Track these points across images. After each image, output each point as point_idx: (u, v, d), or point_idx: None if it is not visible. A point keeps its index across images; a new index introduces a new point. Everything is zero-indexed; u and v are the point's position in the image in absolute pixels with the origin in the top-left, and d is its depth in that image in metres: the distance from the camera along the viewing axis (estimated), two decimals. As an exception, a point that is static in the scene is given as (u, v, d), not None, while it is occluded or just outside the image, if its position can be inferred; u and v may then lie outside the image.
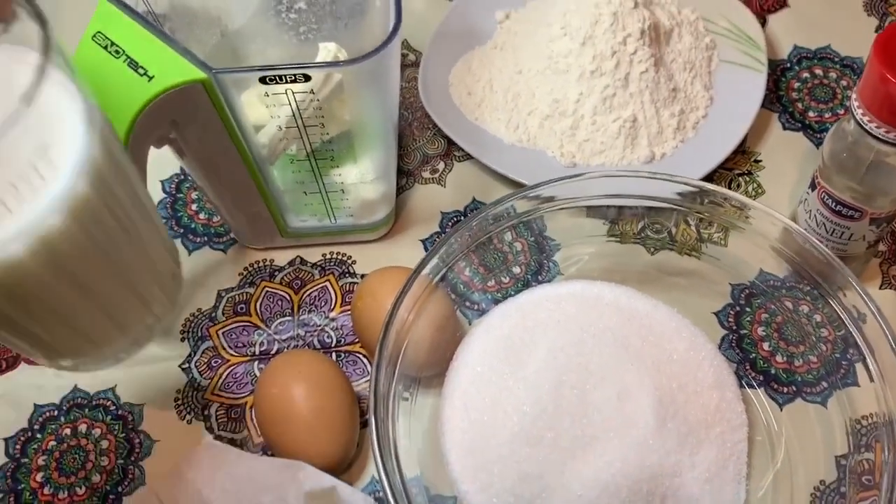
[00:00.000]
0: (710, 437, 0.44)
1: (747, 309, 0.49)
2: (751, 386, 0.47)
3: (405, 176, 0.57)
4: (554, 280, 0.51)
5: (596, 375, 0.44)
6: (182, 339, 0.51)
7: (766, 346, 0.48)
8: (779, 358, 0.48)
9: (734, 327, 0.49)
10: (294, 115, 0.43)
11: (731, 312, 0.49)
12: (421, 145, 0.58)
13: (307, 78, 0.41)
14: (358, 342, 0.50)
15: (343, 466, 0.44)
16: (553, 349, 0.45)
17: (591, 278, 0.50)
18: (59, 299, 0.33)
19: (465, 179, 0.56)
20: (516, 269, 0.50)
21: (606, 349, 0.45)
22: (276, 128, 0.45)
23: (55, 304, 0.33)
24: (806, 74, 0.60)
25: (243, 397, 0.49)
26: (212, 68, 0.39)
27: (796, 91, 0.59)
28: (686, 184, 0.46)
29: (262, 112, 0.44)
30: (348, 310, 0.51)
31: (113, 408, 0.49)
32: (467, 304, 0.49)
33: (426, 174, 0.57)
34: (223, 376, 0.49)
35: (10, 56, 0.29)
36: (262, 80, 0.40)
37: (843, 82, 0.59)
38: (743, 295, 0.50)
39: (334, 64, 0.41)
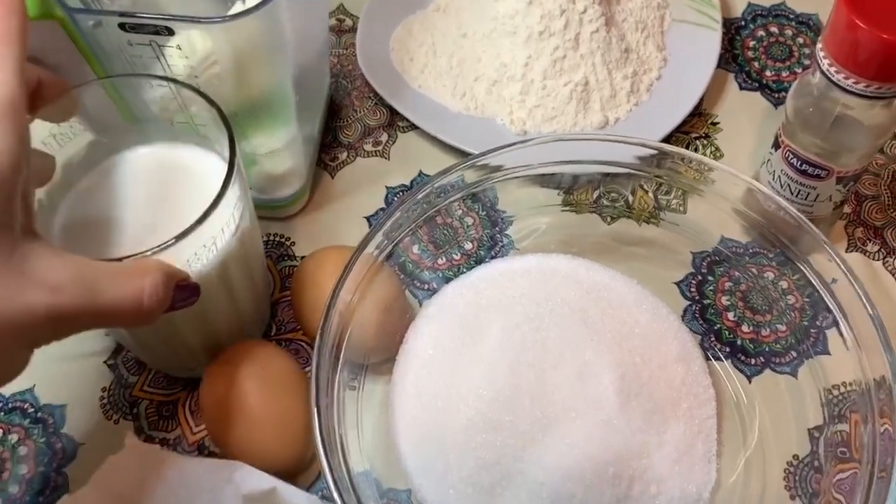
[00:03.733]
0: (676, 414, 0.41)
1: (710, 278, 0.47)
2: (717, 358, 0.45)
3: (346, 149, 0.53)
4: (508, 255, 0.48)
5: (554, 353, 0.41)
6: (106, 335, 0.47)
7: (730, 315, 0.46)
8: (745, 328, 0.45)
9: (697, 297, 0.47)
10: (164, 71, 0.40)
11: (693, 282, 0.47)
12: (361, 116, 0.54)
13: (170, 32, 0.37)
14: (300, 329, 0.47)
15: (302, 467, 0.41)
16: (508, 327, 0.42)
17: (546, 251, 0.47)
18: (217, 301, 0.40)
19: (410, 151, 0.53)
20: (468, 245, 0.47)
21: (565, 325, 0.42)
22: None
23: (212, 305, 0.39)
24: (761, 32, 0.57)
25: (175, 392, 0.45)
26: (69, 7, 0.36)
27: (752, 50, 0.57)
28: (642, 145, 0.43)
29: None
30: (289, 295, 0.47)
31: (32, 410, 0.44)
32: (417, 283, 0.45)
33: (368, 147, 0.53)
34: (153, 372, 0.45)
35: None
36: (122, 27, 0.36)
37: (800, 40, 0.57)
38: (705, 263, 0.47)
39: (196, 19, 0.36)
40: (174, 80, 0.37)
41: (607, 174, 0.47)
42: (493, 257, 0.48)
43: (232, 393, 0.40)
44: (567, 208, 0.48)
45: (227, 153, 0.38)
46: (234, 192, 0.36)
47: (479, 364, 0.41)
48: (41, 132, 0.37)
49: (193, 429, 0.44)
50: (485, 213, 0.48)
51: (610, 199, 0.48)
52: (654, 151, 0.43)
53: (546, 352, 0.41)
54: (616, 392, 0.40)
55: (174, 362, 0.44)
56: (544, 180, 0.47)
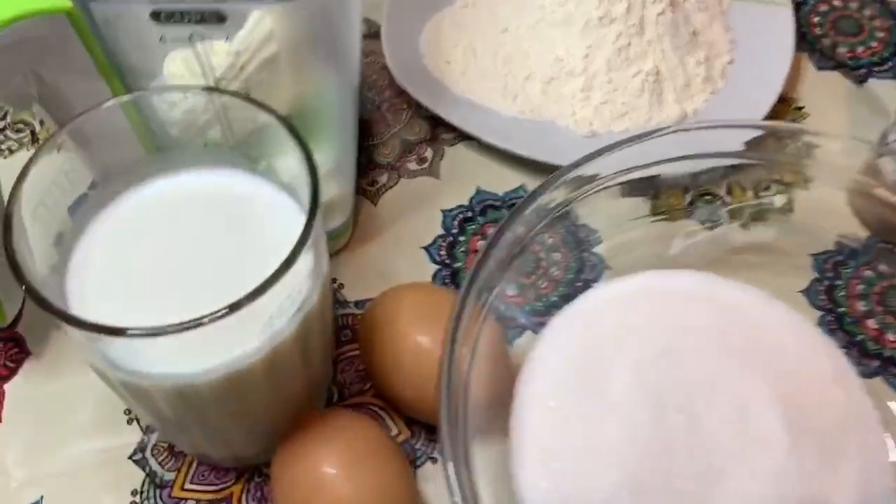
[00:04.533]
0: (845, 446, 0.34)
1: (838, 282, 0.40)
2: (867, 375, 0.38)
3: (385, 170, 0.45)
4: (602, 276, 0.40)
5: (701, 390, 0.34)
6: (129, 422, 0.37)
7: (871, 323, 0.39)
8: (891, 336, 0.39)
9: (829, 306, 0.40)
10: (204, 74, 0.31)
11: (821, 288, 0.40)
12: (398, 131, 0.46)
13: (221, 19, 0.29)
14: (368, 390, 0.38)
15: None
16: (639, 363, 0.35)
17: (644, 268, 0.40)
18: (291, 368, 0.31)
19: (462, 166, 0.45)
20: (554, 271, 0.40)
21: (704, 355, 0.35)
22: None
23: (286, 373, 0.31)
24: (824, 7, 0.52)
25: (227, 486, 0.36)
26: None
27: (818, 27, 0.51)
28: (775, 130, 0.37)
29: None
30: (352, 350, 0.39)
31: (43, 530, 0.35)
32: (505, 321, 0.38)
33: (412, 165, 0.45)
34: (194, 463, 0.36)
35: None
36: (156, 17, 0.28)
37: (867, 12, 0.51)
38: (829, 265, 0.41)
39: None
40: (229, 92, 0.29)
41: (697, 173, 0.40)
42: (585, 282, 0.40)
43: (316, 478, 0.31)
44: (657, 217, 0.41)
45: (287, 176, 0.30)
46: (319, 224, 0.28)
47: (613, 413, 0.34)
48: (51, 173, 0.28)
49: (262, 532, 0.35)
50: (565, 231, 0.40)
51: (704, 201, 0.42)
52: (785, 132, 0.37)
53: (691, 390, 0.34)
54: (784, 429, 0.33)
55: (225, 450, 0.35)
56: (628, 189, 0.40)
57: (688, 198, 0.42)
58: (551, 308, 0.39)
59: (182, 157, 0.32)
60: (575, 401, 0.34)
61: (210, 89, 0.30)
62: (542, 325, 0.38)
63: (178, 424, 0.32)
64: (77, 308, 0.28)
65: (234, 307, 0.25)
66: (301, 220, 0.31)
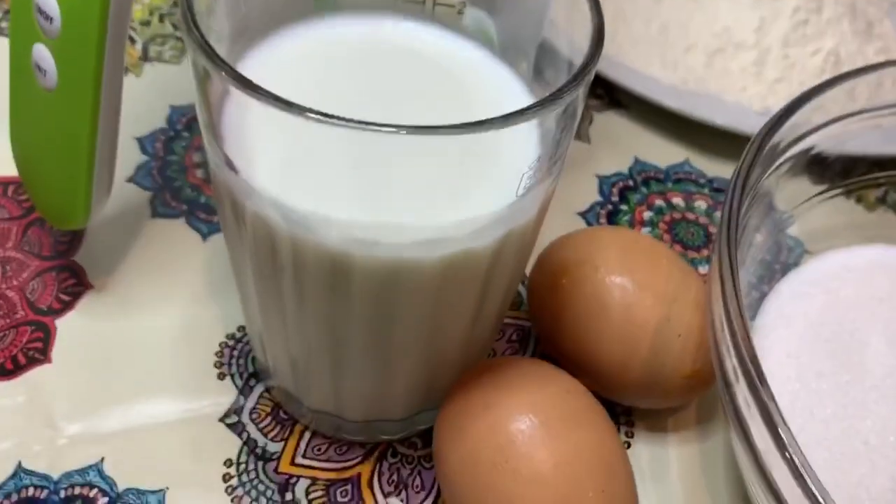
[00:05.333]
0: None
1: None
2: None
3: (525, 131, 0.38)
4: (802, 260, 0.34)
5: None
6: (220, 377, 0.29)
7: None
8: None
9: None
10: None
11: None
12: (538, 92, 0.40)
13: None
14: (533, 350, 0.30)
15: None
16: (892, 339, 0.28)
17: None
18: (506, 274, 0.23)
19: (615, 133, 0.39)
20: (756, 253, 0.33)
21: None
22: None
23: (498, 280, 0.23)
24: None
25: (353, 464, 0.27)
26: None
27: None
28: None
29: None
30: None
31: (105, 502, 0.25)
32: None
33: (558, 128, 0.39)
34: (304, 433, 0.27)
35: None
36: None
37: None
38: None
39: None
40: None
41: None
42: (782, 264, 0.33)
43: (507, 434, 0.23)
44: (849, 201, 0.35)
45: (508, 37, 0.23)
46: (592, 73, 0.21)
47: (873, 393, 0.26)
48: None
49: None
50: (760, 211, 0.34)
51: (896, 188, 0.36)
52: None
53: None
54: None
55: (370, 404, 0.26)
56: (814, 166, 0.34)
57: (882, 191, 0.36)
58: (750, 290, 0.32)
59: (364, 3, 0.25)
60: (827, 377, 0.27)
61: None
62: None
63: (337, 346, 0.23)
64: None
65: (498, 121, 0.17)
66: (525, 98, 0.24)
